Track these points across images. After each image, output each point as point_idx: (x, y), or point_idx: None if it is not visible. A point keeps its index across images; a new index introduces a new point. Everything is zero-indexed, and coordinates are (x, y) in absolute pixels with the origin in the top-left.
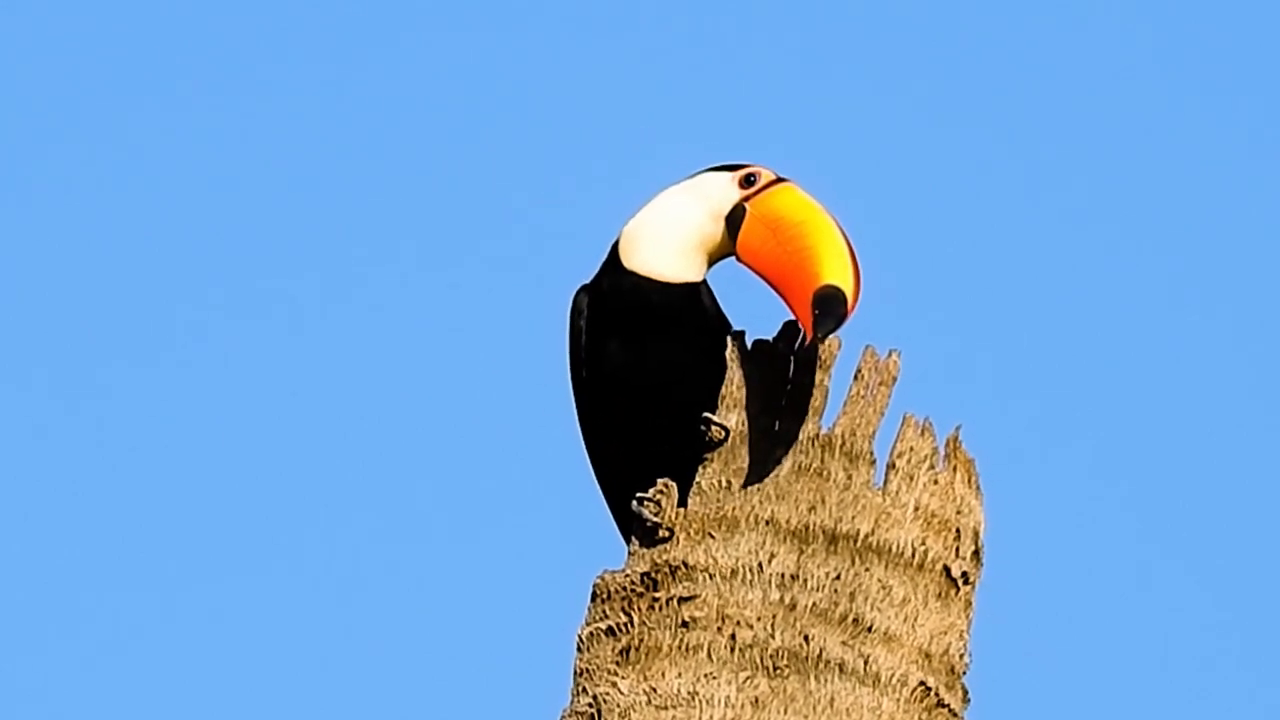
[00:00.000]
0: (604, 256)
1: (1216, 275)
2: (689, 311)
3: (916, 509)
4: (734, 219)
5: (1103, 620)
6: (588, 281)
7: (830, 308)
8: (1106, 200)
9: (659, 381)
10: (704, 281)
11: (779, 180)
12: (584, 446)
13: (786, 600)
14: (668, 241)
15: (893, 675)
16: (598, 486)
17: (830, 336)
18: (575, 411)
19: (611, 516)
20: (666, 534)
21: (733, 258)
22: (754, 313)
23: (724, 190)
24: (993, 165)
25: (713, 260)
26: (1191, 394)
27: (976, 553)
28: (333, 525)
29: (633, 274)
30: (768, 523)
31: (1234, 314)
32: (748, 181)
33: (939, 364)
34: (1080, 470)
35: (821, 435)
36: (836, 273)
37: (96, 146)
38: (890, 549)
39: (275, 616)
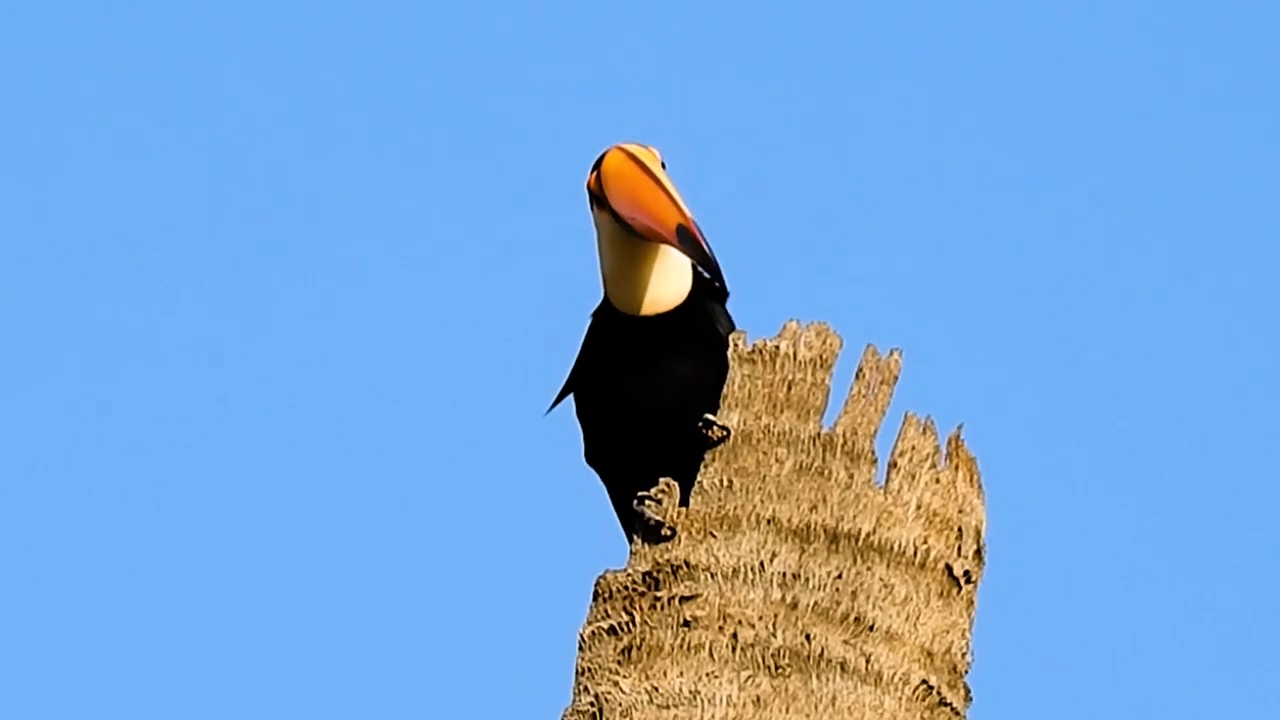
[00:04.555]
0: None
1: (1218, 273)
2: (693, 327)
3: (918, 508)
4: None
5: (1105, 619)
6: (599, 305)
7: (686, 243)
8: (1108, 198)
9: (674, 401)
10: (695, 287)
11: (596, 173)
12: (585, 450)
13: (788, 599)
14: (641, 280)
15: (895, 674)
16: (603, 485)
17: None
18: (579, 420)
19: (616, 515)
20: (668, 533)
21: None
22: (760, 306)
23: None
24: (994, 163)
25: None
26: (1194, 392)
27: (979, 551)
28: (335, 524)
29: (633, 317)
30: (769, 522)
31: (1235, 312)
32: (595, 199)
33: (940, 362)
34: (1083, 468)
35: (823, 434)
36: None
37: (87, 148)
38: (892, 548)
39: (278, 615)
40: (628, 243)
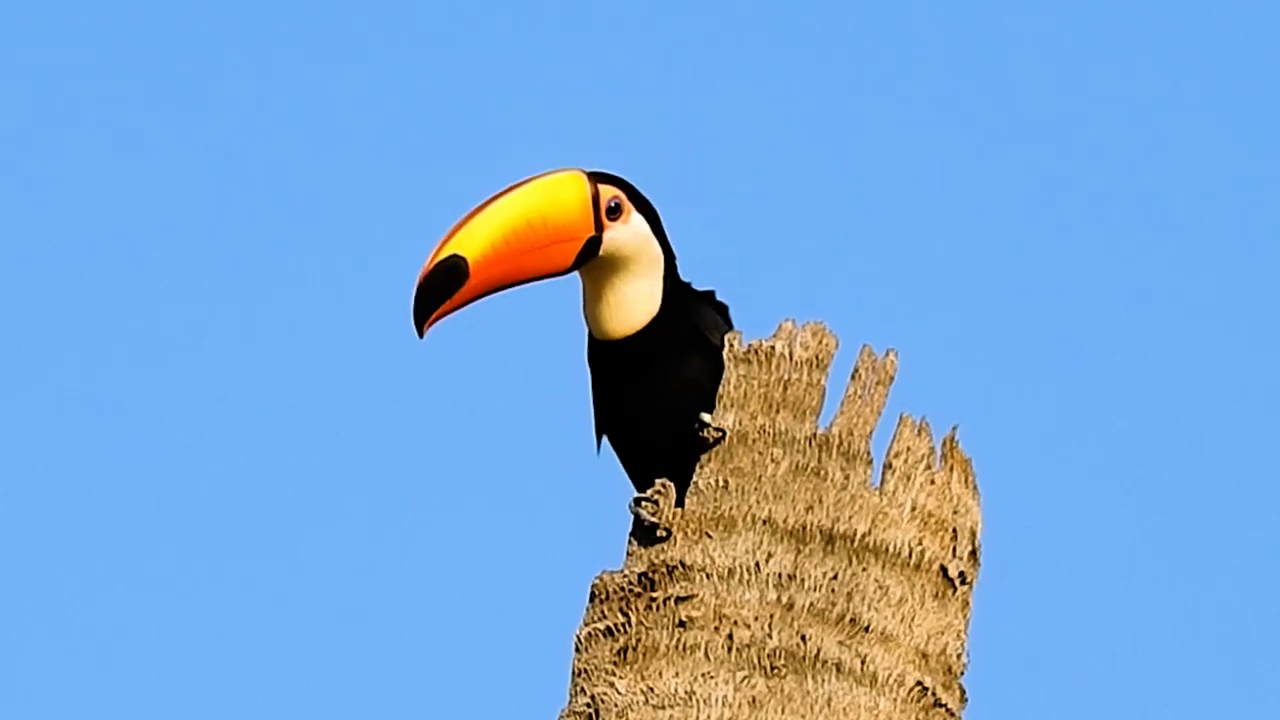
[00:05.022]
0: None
1: (1216, 273)
2: (671, 339)
3: (913, 509)
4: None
5: (1100, 620)
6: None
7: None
8: (1103, 198)
9: (664, 410)
10: (672, 298)
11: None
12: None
13: (784, 600)
14: (605, 307)
15: (890, 675)
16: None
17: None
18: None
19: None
20: (664, 534)
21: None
22: (756, 305)
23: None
24: (989, 163)
25: (624, 261)
26: (1190, 392)
27: (973, 553)
28: (335, 525)
29: (608, 341)
30: (765, 522)
31: (1232, 311)
32: None
33: (936, 364)
34: (1077, 469)
35: (819, 435)
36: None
37: (81, 147)
38: (887, 549)
39: (277, 615)
40: (586, 273)
